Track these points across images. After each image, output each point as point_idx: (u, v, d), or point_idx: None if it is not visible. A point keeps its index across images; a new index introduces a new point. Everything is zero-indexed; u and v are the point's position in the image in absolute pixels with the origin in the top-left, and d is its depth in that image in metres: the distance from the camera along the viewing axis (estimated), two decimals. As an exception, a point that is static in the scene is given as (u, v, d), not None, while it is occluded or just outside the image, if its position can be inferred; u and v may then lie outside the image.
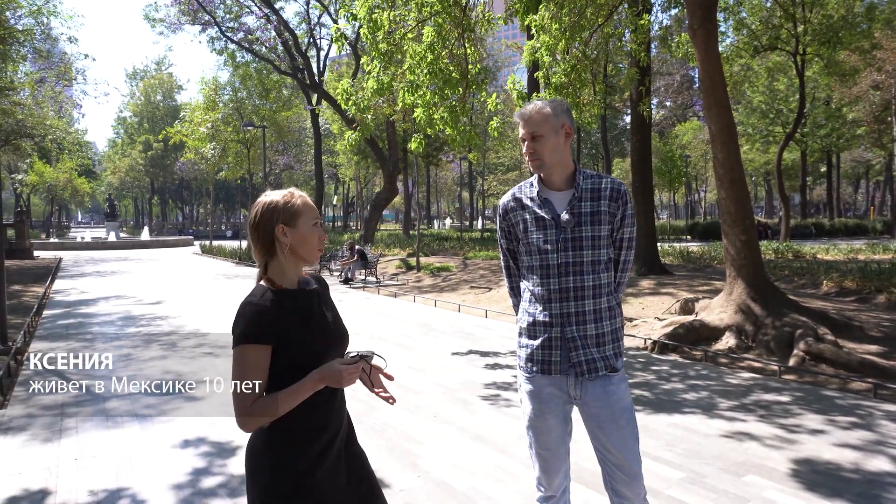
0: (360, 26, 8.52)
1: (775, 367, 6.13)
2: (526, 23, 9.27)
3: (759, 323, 7.22)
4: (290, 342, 1.61)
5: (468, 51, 8.73)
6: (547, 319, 2.21)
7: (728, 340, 7.14)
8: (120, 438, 4.53)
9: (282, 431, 1.63)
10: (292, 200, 1.73)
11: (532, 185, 2.31)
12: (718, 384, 5.73)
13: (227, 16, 27.78)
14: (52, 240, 40.45)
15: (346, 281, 15.99)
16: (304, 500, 1.63)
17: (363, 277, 16.66)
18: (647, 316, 8.98)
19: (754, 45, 22.31)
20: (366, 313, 10.56)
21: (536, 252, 2.24)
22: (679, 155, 41.33)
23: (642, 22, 10.31)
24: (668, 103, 51.02)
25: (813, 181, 50.97)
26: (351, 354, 1.67)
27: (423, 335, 8.49)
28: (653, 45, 16.43)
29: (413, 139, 9.27)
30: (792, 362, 6.30)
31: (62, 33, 20.08)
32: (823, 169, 44.84)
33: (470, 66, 8.86)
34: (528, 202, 2.29)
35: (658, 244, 20.59)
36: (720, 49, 19.72)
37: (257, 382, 1.57)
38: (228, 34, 27.98)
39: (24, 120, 23.78)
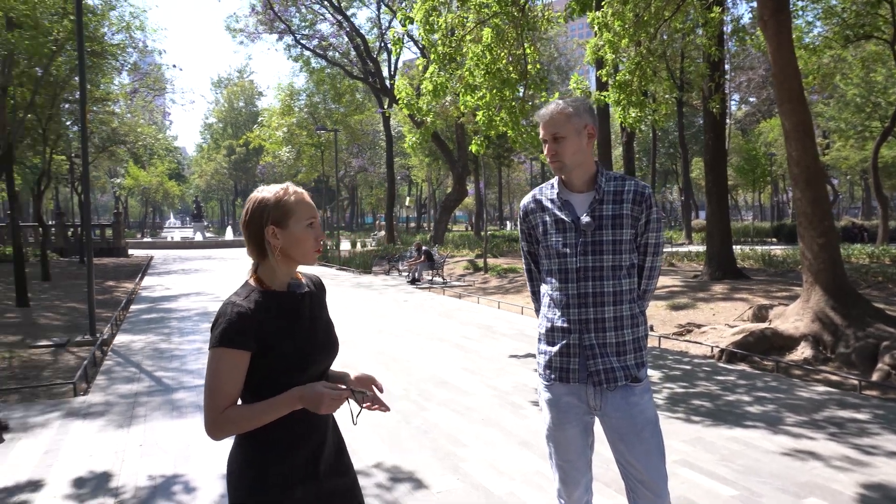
0: (419, 29, 8.60)
1: (855, 382, 5.70)
2: (588, 20, 9.08)
3: (838, 333, 6.73)
4: (272, 348, 1.51)
5: (527, 50, 8.63)
6: (565, 325, 2.14)
7: (803, 351, 6.71)
8: (182, 428, 4.79)
9: (261, 442, 1.54)
10: (285, 198, 1.58)
11: (553, 186, 2.25)
12: (788, 397, 5.39)
13: (302, 23, 28.79)
14: (145, 239, 43.25)
15: (413, 281, 16.18)
16: None
17: (430, 278, 16.80)
18: (718, 322, 8.57)
19: (846, 35, 20.80)
20: (428, 314, 10.65)
21: (555, 255, 2.17)
22: (763, 153, 39.23)
23: (713, 15, 9.86)
24: (751, 99, 48.54)
25: (916, 179, 47.01)
26: (353, 391, 1.57)
27: (483, 337, 8.47)
28: (732, 40, 15.71)
29: (474, 141, 9.28)
30: (875, 377, 5.83)
31: (153, 47, 21.39)
32: (928, 166, 41.27)
33: (529, 67, 8.76)
34: (548, 204, 2.23)
35: (738, 247, 19.62)
36: (807, 40, 18.61)
37: (230, 390, 1.47)
38: (303, 41, 28.98)
39: (118, 128, 25.57)
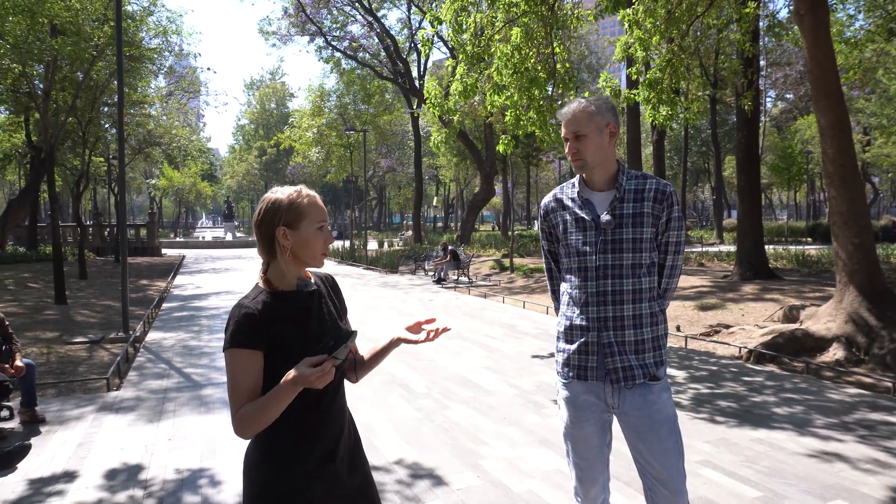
0: (448, 30, 8.62)
1: (889, 384, 5.54)
2: (619, 17, 8.98)
3: (873, 334, 6.55)
4: (281, 348, 1.54)
5: (556, 49, 8.58)
6: (584, 323, 2.15)
7: (835, 352, 6.55)
8: (209, 423, 4.90)
9: (275, 440, 1.57)
10: (298, 200, 1.61)
11: (574, 185, 2.26)
12: (817, 399, 5.27)
13: (334, 25, 29.10)
14: (178, 239, 44.20)
15: (439, 281, 16.23)
16: None
17: (455, 277, 16.83)
18: (747, 323, 8.41)
19: (889, 28, 20.15)
20: (453, 313, 10.68)
21: (575, 254, 2.18)
22: (800, 151, 38.26)
23: (747, 10, 9.66)
24: (788, 96, 47.36)
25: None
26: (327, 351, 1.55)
27: (506, 336, 8.46)
28: (767, 35, 15.35)
29: (501, 140, 9.26)
30: (910, 379, 5.67)
31: (188, 51, 21.87)
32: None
33: (558, 66, 8.72)
34: (568, 203, 2.24)
35: (771, 247, 19.17)
36: (848, 33, 18.08)
37: (247, 388, 1.51)
38: (334, 43, 29.29)
39: (154, 130, 26.23)
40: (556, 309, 2.37)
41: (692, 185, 60.37)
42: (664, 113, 9.33)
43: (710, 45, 20.71)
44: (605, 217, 2.14)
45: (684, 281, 12.88)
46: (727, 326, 8.30)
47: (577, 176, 2.27)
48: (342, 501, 1.64)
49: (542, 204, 2.34)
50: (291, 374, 1.43)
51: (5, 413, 4.96)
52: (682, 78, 9.48)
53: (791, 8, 14.87)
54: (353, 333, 1.54)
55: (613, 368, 2.11)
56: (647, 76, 9.35)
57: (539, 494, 3.50)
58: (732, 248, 19.33)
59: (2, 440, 4.49)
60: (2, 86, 15.20)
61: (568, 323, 2.21)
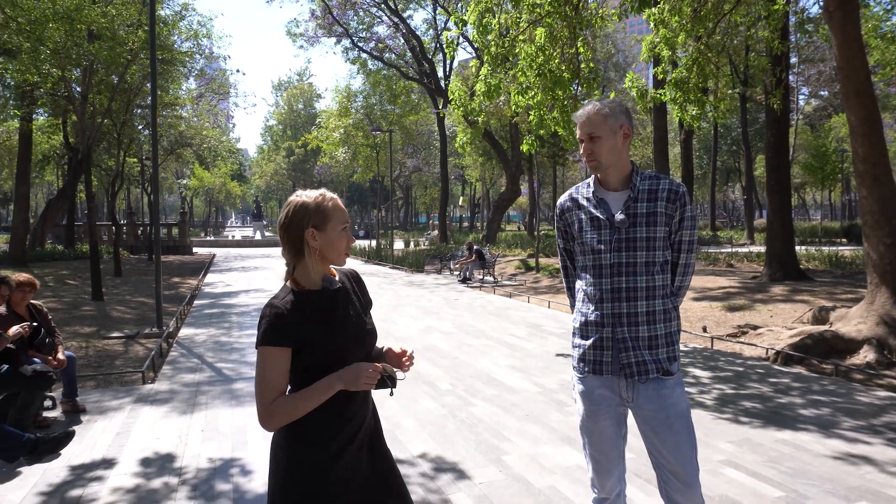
0: (472, 31, 8.68)
1: (920, 387, 5.46)
2: (644, 16, 8.95)
3: (905, 337, 6.44)
4: (309, 345, 1.63)
5: (580, 49, 8.59)
6: (598, 319, 2.21)
7: (866, 354, 6.45)
8: (240, 416, 5.06)
9: (301, 427, 1.65)
10: (324, 203, 1.71)
11: (589, 185, 2.32)
12: (846, 402, 5.22)
13: (360, 26, 29.38)
14: (208, 238, 45.06)
15: (464, 280, 16.30)
16: (318, 497, 1.64)
17: (481, 277, 16.89)
18: (775, 324, 8.31)
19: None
20: (478, 312, 10.74)
21: (590, 252, 2.25)
22: (834, 149, 37.41)
23: (776, 7, 9.54)
24: (822, 92, 46.30)
25: None
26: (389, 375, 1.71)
27: (531, 335, 8.50)
28: (797, 32, 15.09)
29: (525, 140, 9.30)
30: (943, 382, 5.57)
31: (218, 54, 22.38)
32: None
33: (582, 66, 8.72)
34: (584, 202, 2.31)
35: (803, 247, 18.78)
36: (885, 28, 17.64)
37: (276, 383, 1.61)
38: (360, 44, 29.56)
39: (185, 131, 26.82)
40: (571, 306, 2.44)
41: (722, 184, 59.40)
42: (692, 112, 9.27)
43: (740, 41, 20.43)
44: (619, 216, 2.20)
45: (712, 281, 12.74)
46: (755, 327, 8.22)
47: (592, 176, 2.33)
48: (362, 486, 1.72)
49: (559, 203, 2.42)
50: (336, 374, 1.60)
51: (49, 403, 5.19)
52: (709, 76, 9.41)
53: (821, 4, 14.61)
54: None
55: (627, 363, 2.17)
56: (673, 75, 9.30)
57: (560, 490, 3.55)
58: (763, 249, 19.03)
59: (46, 428, 4.71)
60: (42, 90, 15.74)
61: (583, 319, 2.27)
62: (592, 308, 2.23)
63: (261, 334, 1.63)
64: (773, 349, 6.83)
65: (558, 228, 2.43)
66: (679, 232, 2.23)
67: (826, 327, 7.24)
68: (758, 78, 16.35)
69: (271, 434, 1.73)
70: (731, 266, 16.94)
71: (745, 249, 24.02)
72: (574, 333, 2.33)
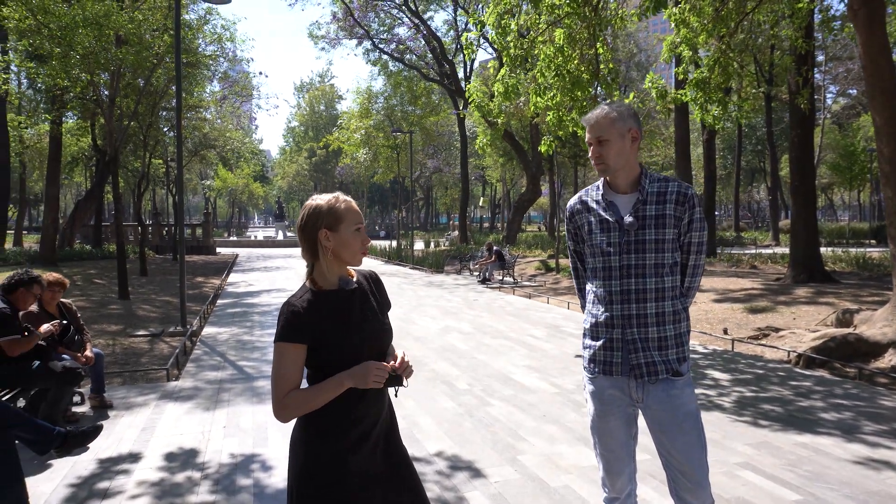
0: (491, 33, 8.72)
1: (947, 392, 5.36)
2: (665, 16, 8.91)
3: (931, 340, 6.32)
4: (325, 342, 1.70)
5: (599, 50, 8.58)
6: (608, 321, 2.24)
7: (891, 358, 6.34)
8: (261, 413, 5.16)
9: (318, 421, 1.72)
10: (336, 205, 1.78)
11: (598, 188, 2.35)
12: (868, 406, 5.15)
13: (381, 28, 29.56)
14: (231, 238, 45.67)
15: (484, 281, 16.33)
16: (334, 489, 1.70)
17: (500, 278, 16.89)
18: (798, 327, 8.20)
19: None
20: (497, 313, 10.77)
21: (599, 254, 2.28)
22: (863, 149, 36.66)
23: (800, 5, 9.41)
24: (851, 91, 45.39)
25: None
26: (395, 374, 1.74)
27: (550, 336, 8.50)
28: (822, 31, 14.83)
29: (543, 141, 9.31)
30: (970, 387, 5.46)
31: (242, 57, 22.72)
32: None
33: (602, 66, 8.70)
34: (593, 205, 2.33)
35: (830, 249, 18.43)
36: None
37: (290, 377, 1.69)
38: (381, 46, 29.73)
39: (209, 133, 27.24)
40: (582, 307, 2.48)
41: (746, 184, 58.53)
42: (713, 113, 9.20)
43: (764, 40, 20.15)
44: (628, 219, 2.22)
45: (734, 283, 12.60)
46: (777, 330, 8.12)
47: (602, 179, 2.36)
48: (375, 480, 1.78)
49: (568, 206, 2.45)
50: (346, 372, 1.67)
51: (77, 398, 5.35)
52: (731, 76, 9.32)
53: (846, 2, 14.35)
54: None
55: (637, 364, 2.19)
56: (695, 76, 9.23)
57: (575, 489, 3.58)
58: (787, 251, 18.74)
59: (75, 422, 4.85)
60: (71, 94, 16.13)
61: (593, 320, 2.31)
62: (602, 309, 2.26)
63: (278, 331, 1.71)
64: (794, 352, 6.76)
65: (568, 231, 2.47)
66: (688, 234, 2.25)
67: (850, 330, 7.14)
68: (782, 77, 16.10)
69: (291, 430, 1.80)
70: (755, 268, 16.71)
71: (769, 251, 23.67)
72: (584, 334, 2.36)
